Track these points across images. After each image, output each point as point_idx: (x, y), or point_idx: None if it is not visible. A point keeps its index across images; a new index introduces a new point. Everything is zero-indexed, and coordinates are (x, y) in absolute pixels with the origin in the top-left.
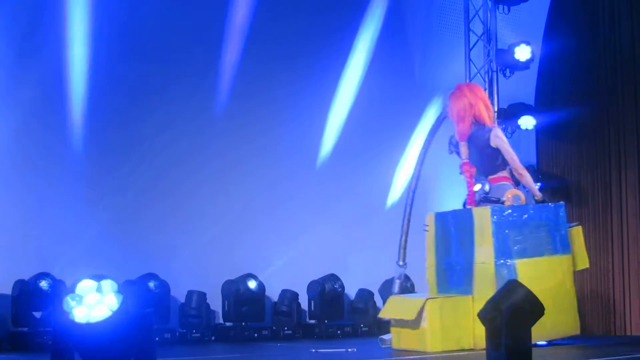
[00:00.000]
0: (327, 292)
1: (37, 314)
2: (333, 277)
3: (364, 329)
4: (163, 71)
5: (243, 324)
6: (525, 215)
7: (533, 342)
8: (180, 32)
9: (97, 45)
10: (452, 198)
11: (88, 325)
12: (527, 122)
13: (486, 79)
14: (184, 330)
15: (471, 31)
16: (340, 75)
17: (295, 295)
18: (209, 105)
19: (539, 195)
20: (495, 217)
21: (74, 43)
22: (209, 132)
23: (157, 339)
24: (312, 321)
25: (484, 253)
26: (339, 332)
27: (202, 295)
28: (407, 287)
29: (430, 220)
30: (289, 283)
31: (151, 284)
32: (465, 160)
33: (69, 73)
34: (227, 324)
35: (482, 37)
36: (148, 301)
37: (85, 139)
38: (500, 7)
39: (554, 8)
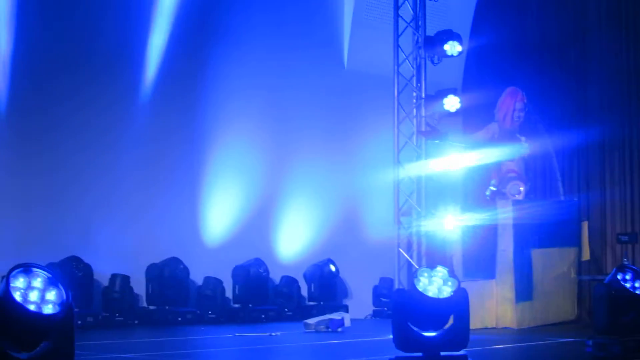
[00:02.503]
0: (252, 276)
1: None
2: (258, 262)
3: (288, 313)
4: (81, 58)
5: (167, 307)
6: (543, 210)
7: (537, 324)
8: (102, 19)
9: (19, 36)
10: None
11: (40, 314)
12: (453, 104)
13: (414, 66)
14: (107, 314)
15: (400, 17)
16: (270, 60)
17: (219, 280)
18: (133, 91)
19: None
20: (516, 210)
21: None
22: (132, 120)
23: (79, 322)
24: (237, 305)
25: (505, 242)
26: (263, 316)
27: (126, 279)
28: (331, 272)
29: (458, 211)
30: (213, 267)
31: (74, 267)
32: None
33: None
34: (151, 307)
35: (410, 24)
36: (71, 284)
37: (4, 128)
38: None
39: None
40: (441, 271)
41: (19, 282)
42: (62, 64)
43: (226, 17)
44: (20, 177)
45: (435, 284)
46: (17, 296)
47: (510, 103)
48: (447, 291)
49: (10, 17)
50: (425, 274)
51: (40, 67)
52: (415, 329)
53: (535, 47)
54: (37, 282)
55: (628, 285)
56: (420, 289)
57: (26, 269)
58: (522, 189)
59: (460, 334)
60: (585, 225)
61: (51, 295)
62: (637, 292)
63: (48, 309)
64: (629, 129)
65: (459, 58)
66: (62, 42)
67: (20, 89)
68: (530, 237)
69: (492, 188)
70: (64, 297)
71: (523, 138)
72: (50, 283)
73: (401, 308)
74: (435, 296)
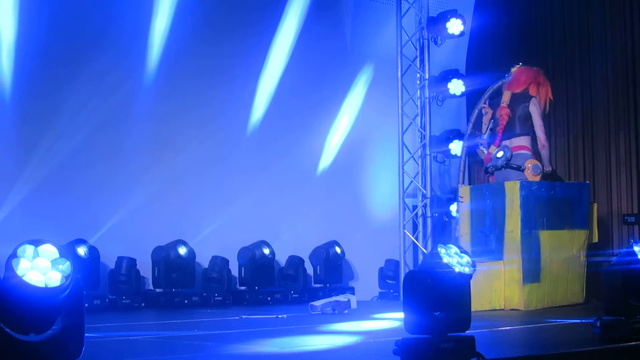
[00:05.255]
0: (258, 258)
1: None
2: (263, 244)
3: (294, 295)
4: (87, 40)
5: (173, 290)
6: (552, 191)
7: (545, 306)
8: (106, 2)
9: (23, 17)
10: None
11: (46, 289)
12: (457, 86)
13: (417, 47)
14: (114, 297)
15: None
16: (272, 41)
17: (225, 262)
18: (136, 74)
19: (548, 167)
20: (523, 191)
21: None
22: (138, 100)
23: (86, 305)
24: (243, 288)
25: (513, 223)
26: (269, 298)
27: (132, 261)
28: (337, 254)
29: (465, 192)
30: (219, 249)
31: (80, 250)
32: (503, 105)
33: None
34: (157, 290)
35: (413, 5)
36: (77, 267)
37: (8, 111)
38: None
39: None
40: (454, 248)
41: (26, 257)
42: (66, 47)
43: None
44: (25, 160)
45: (455, 260)
46: (23, 270)
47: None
48: (469, 267)
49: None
50: (444, 251)
51: (44, 51)
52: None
53: (539, 28)
54: (45, 256)
55: None
56: (446, 263)
57: (34, 242)
58: (542, 168)
59: (465, 314)
60: (594, 207)
61: (59, 268)
62: None
63: (55, 282)
64: (635, 109)
65: (462, 39)
66: (66, 26)
67: (25, 73)
68: (539, 218)
69: (499, 155)
70: (73, 270)
71: None
72: (59, 257)
73: (415, 288)
74: (461, 271)
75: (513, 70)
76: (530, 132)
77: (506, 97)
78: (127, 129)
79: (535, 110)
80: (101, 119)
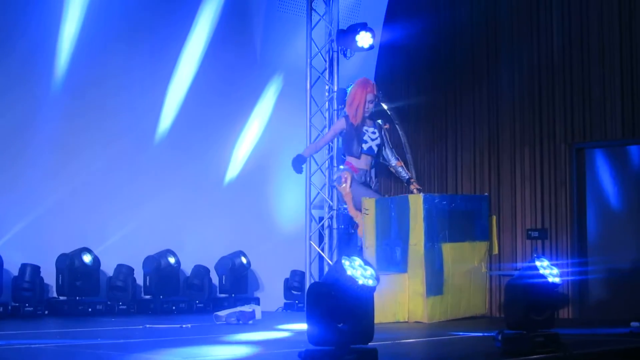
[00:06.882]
0: (163, 267)
1: None
2: (169, 253)
3: (199, 305)
4: None
5: (77, 298)
6: (453, 204)
7: (448, 318)
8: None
9: None
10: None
11: None
12: None
13: (327, 59)
14: (17, 304)
15: (313, 10)
16: (181, 50)
17: (130, 270)
18: (43, 79)
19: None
20: (427, 204)
21: None
22: (43, 106)
23: None
24: (147, 297)
25: (416, 236)
26: (174, 308)
27: (36, 269)
28: (243, 264)
29: (370, 204)
30: (124, 258)
31: None
32: None
33: None
34: (61, 298)
35: (324, 17)
36: None
37: None
38: None
39: None
40: (358, 260)
41: None
42: None
43: (137, 5)
44: None
45: (358, 272)
46: None
47: (362, 95)
48: (372, 279)
49: None
50: (348, 263)
51: None
52: (330, 321)
53: (447, 43)
54: None
55: (546, 272)
56: (350, 275)
57: None
58: (347, 177)
59: (368, 327)
60: (494, 220)
61: None
62: (551, 280)
63: None
64: (540, 125)
65: (371, 53)
66: None
67: None
68: (441, 231)
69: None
70: None
71: (371, 129)
72: None
73: (319, 299)
74: (365, 284)
75: None
76: (357, 152)
77: None
78: (32, 134)
79: None
80: (5, 125)
